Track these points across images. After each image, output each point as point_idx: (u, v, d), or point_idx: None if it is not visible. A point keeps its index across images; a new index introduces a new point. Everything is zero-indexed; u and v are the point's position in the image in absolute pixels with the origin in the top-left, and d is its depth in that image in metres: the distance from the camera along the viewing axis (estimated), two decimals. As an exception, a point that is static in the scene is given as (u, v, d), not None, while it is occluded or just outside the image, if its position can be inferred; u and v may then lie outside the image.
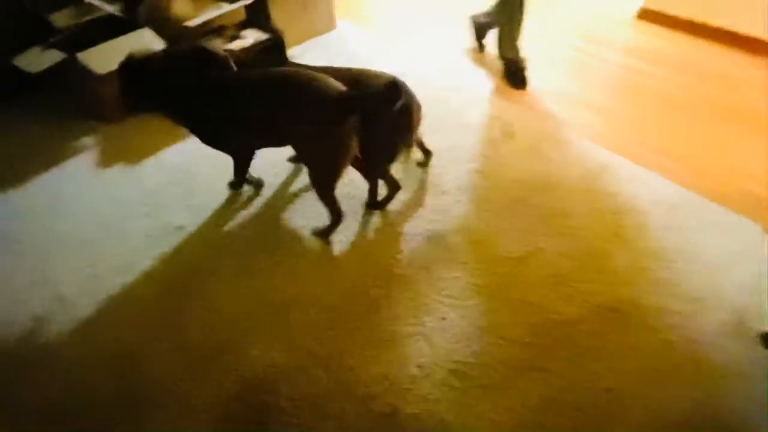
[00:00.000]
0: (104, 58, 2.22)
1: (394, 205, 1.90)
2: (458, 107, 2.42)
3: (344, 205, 1.75)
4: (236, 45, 2.50)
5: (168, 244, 1.79)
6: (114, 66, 1.72)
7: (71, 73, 2.31)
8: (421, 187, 1.99)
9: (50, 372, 1.45)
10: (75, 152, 2.26)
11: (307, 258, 1.74)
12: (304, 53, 2.84)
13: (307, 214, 1.88)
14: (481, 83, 2.61)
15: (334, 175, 1.60)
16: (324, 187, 1.64)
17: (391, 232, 1.80)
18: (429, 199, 1.93)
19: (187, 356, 1.46)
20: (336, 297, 1.60)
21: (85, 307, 1.60)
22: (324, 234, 1.78)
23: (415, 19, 3.23)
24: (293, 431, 1.29)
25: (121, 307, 1.61)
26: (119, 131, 2.35)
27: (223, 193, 1.99)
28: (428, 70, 2.69)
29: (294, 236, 1.81)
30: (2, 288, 1.68)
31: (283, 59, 1.89)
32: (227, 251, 1.77)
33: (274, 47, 2.47)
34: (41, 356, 1.49)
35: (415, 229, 1.81)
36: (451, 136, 2.23)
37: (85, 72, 2.23)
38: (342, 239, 1.78)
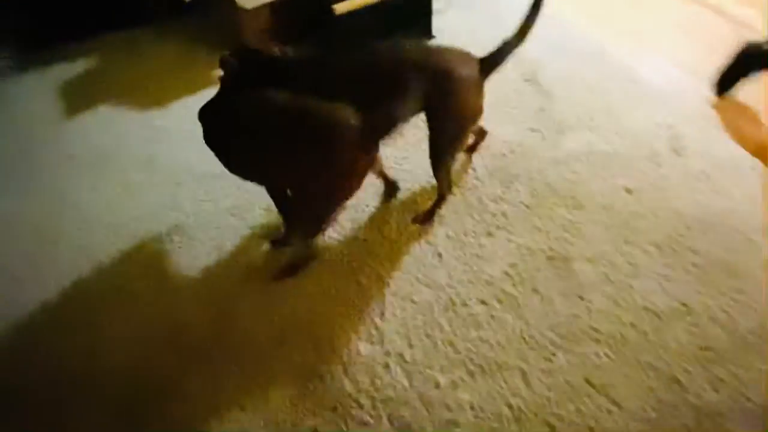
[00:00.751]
0: (253, -8, 2.20)
1: (511, 210, 1.68)
2: (620, 103, 2.03)
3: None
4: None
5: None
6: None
7: (220, 3, 2.34)
8: (550, 193, 1.72)
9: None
10: (214, 82, 2.32)
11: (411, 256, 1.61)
12: (448, 8, 2.59)
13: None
14: (662, 77, 2.14)
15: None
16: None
17: (504, 243, 1.59)
18: (559, 210, 1.67)
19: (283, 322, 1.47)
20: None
21: (200, 239, 1.67)
22: (294, 272, 1.56)
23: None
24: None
25: (231, 250, 1.65)
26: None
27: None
28: (593, 46, 2.29)
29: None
30: (136, 204, 1.82)
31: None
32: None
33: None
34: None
35: (536, 243, 1.58)
36: (603, 138, 1.88)
37: (232, 4, 2.24)
38: (445, 246, 1.60)
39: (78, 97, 2.33)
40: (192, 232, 1.69)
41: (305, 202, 1.42)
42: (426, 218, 1.65)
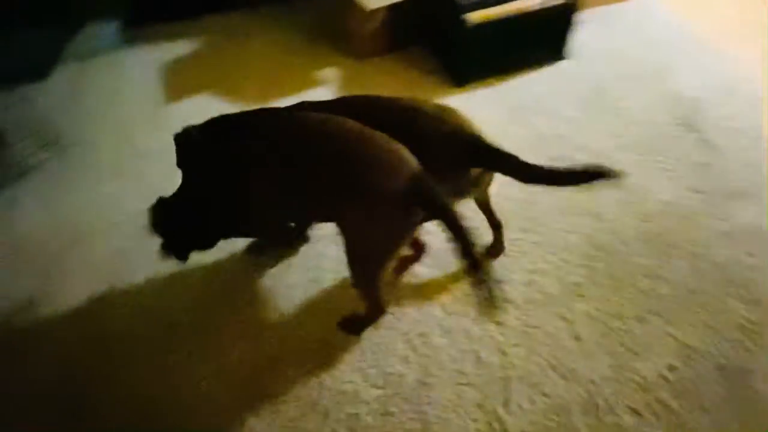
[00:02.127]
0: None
1: (669, 292, 1.33)
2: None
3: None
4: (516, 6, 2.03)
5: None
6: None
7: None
8: (721, 278, 1.36)
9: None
10: (317, 82, 2.15)
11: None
12: (589, 23, 2.25)
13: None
14: None
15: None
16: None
17: (660, 335, 1.27)
18: (732, 303, 1.31)
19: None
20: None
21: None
22: (357, 329, 1.32)
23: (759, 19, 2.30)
24: None
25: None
26: (361, 69, 2.14)
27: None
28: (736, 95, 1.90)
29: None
30: None
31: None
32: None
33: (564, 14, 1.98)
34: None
35: (703, 343, 1.23)
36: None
37: (352, 2, 2.05)
38: (586, 326, 1.30)
39: (178, 81, 2.21)
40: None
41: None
42: (348, 326, 1.33)
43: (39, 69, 2.24)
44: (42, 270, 1.53)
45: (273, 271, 1.46)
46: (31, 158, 1.90)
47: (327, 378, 1.24)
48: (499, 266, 1.40)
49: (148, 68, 2.26)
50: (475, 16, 1.88)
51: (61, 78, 2.21)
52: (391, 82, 2.07)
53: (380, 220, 1.06)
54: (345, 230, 1.13)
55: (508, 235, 1.42)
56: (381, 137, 1.07)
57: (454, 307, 1.35)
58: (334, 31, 2.29)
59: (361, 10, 2.04)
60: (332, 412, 1.18)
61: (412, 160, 1.05)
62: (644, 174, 1.63)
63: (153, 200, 1.32)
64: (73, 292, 1.46)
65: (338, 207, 1.10)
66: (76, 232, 1.64)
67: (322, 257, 1.47)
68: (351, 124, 1.10)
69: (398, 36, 2.18)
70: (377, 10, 2.05)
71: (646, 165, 1.67)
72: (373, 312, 1.27)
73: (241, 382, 1.25)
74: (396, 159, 1.04)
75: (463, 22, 1.87)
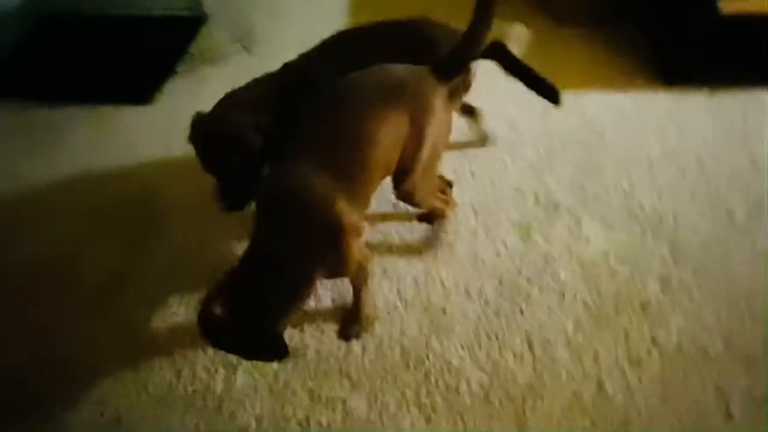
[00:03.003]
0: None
1: None
2: None
3: None
4: None
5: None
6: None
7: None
8: None
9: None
10: (500, 35, 1.97)
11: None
12: None
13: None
14: None
15: None
16: None
17: None
18: None
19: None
20: None
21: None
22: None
23: None
24: None
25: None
26: (555, 35, 1.90)
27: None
28: None
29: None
30: None
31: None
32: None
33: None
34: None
35: None
36: None
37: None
38: None
39: (365, 7, 2.18)
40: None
41: None
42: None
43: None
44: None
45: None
46: (223, 48, 2.08)
47: (437, 343, 1.23)
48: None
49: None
50: (733, 6, 1.52)
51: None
52: (584, 58, 1.84)
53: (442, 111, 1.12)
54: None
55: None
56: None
57: (588, 327, 1.24)
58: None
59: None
60: (432, 376, 1.19)
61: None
62: None
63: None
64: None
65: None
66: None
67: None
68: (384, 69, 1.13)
69: (610, 6, 1.90)
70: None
71: None
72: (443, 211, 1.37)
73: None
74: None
75: (715, 9, 1.52)
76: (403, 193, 1.19)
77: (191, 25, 2.19)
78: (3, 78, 2.09)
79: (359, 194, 1.08)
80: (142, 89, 1.94)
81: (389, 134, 1.05)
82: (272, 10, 2.22)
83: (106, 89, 1.96)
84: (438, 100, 1.11)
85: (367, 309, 1.26)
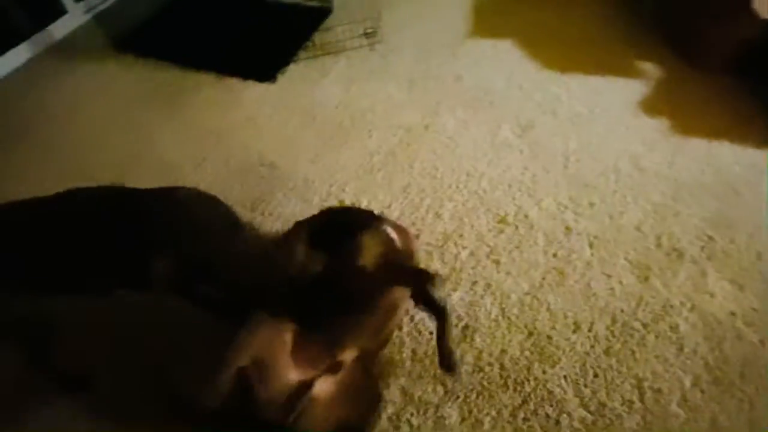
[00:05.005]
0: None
1: None
2: None
3: None
4: None
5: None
6: None
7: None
8: None
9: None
10: (630, 72, 1.88)
11: None
12: None
13: None
14: None
15: None
16: None
17: None
18: None
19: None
20: None
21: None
22: None
23: None
24: None
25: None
26: (690, 80, 1.80)
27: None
28: None
29: None
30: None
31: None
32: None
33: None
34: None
35: None
36: None
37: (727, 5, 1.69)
38: None
39: (483, 19, 2.22)
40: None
41: None
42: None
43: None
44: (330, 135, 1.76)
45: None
46: (348, 41, 2.14)
47: (539, 370, 1.18)
48: None
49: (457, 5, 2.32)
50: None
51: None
52: (721, 107, 1.72)
53: None
54: None
55: None
56: None
57: (707, 387, 1.15)
58: (675, 23, 1.99)
59: (750, 16, 1.66)
60: (531, 402, 1.14)
61: None
62: None
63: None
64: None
65: None
66: (353, 119, 1.82)
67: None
68: None
69: (759, 55, 1.78)
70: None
71: None
72: None
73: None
74: None
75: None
76: None
77: (317, 15, 2.28)
78: (146, 38, 2.26)
79: None
80: (266, 68, 2.04)
81: None
82: (395, 11, 2.28)
83: (235, 63, 2.07)
84: None
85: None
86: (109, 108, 1.97)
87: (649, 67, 1.91)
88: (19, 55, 2.25)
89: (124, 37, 2.27)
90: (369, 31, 2.10)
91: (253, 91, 1.97)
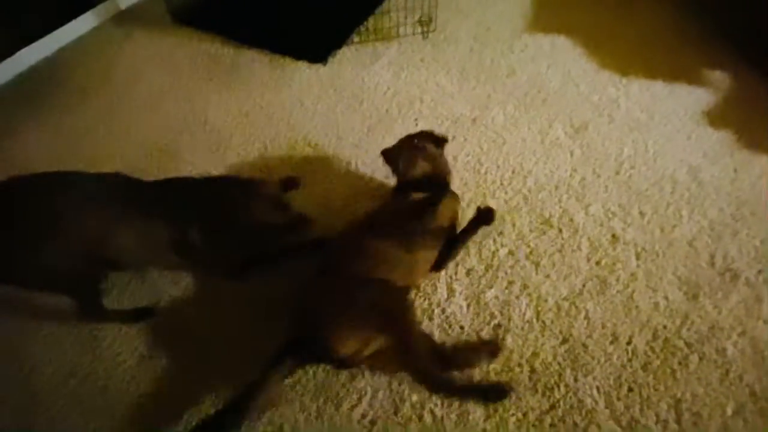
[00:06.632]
0: None
1: None
2: None
3: None
4: None
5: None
6: None
7: None
8: None
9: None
10: (695, 80, 1.79)
11: None
12: None
13: None
14: None
15: None
16: None
17: None
18: None
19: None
20: None
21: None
22: None
23: None
24: None
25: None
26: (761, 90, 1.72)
27: None
28: None
29: None
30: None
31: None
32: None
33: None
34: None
35: None
36: None
37: None
38: None
39: (545, 15, 2.16)
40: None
41: None
42: None
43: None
44: (368, 118, 1.76)
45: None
46: (401, 28, 2.12)
47: (571, 377, 1.16)
48: None
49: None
50: None
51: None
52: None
53: None
54: None
55: None
56: None
57: (751, 417, 1.08)
58: (748, 31, 1.86)
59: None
60: (560, 408, 1.12)
61: None
62: None
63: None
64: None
65: None
66: (401, 106, 1.80)
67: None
68: None
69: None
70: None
71: None
72: None
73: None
74: None
75: None
76: None
77: (372, 1, 2.27)
78: (204, 13, 2.31)
79: None
80: (319, 50, 2.04)
81: None
82: (453, 6, 2.24)
83: (288, 43, 2.09)
84: None
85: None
86: (167, 78, 2.04)
87: (717, 76, 1.80)
88: (86, 22, 2.34)
89: (184, 11, 2.33)
90: (424, 19, 2.07)
91: (304, 71, 1.99)
